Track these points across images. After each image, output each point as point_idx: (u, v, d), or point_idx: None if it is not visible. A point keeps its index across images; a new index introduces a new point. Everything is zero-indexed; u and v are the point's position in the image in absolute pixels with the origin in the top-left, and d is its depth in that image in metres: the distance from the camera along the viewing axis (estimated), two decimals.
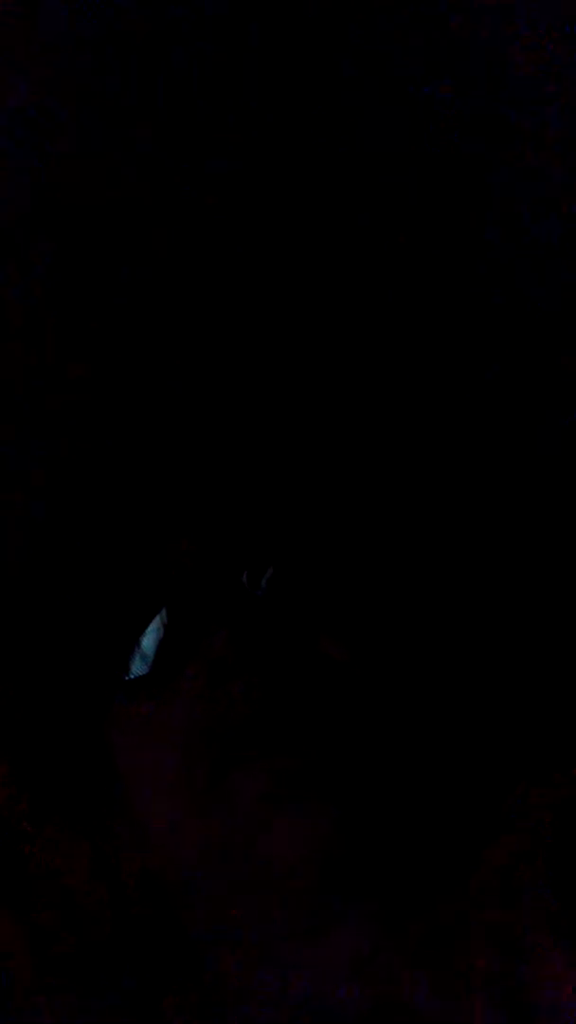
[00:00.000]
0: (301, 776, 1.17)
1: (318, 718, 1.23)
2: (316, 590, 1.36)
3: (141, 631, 1.36)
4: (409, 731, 1.24)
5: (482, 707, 1.25)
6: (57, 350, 1.37)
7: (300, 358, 1.41)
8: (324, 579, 1.37)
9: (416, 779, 1.20)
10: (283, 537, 1.40)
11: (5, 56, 1.19)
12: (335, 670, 1.27)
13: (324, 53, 1.23)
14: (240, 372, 1.42)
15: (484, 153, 1.22)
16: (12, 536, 1.37)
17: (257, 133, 1.27)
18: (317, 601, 1.35)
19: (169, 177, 1.30)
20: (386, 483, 1.40)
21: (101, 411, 1.41)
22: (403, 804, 1.18)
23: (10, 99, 1.21)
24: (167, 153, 1.29)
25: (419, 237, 1.30)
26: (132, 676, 1.34)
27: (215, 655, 1.27)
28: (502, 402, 1.35)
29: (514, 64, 1.18)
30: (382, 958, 1.10)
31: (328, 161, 1.28)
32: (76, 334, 1.37)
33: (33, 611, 1.36)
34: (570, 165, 1.20)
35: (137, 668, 1.34)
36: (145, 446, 1.43)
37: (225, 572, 1.38)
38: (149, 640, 1.35)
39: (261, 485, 1.42)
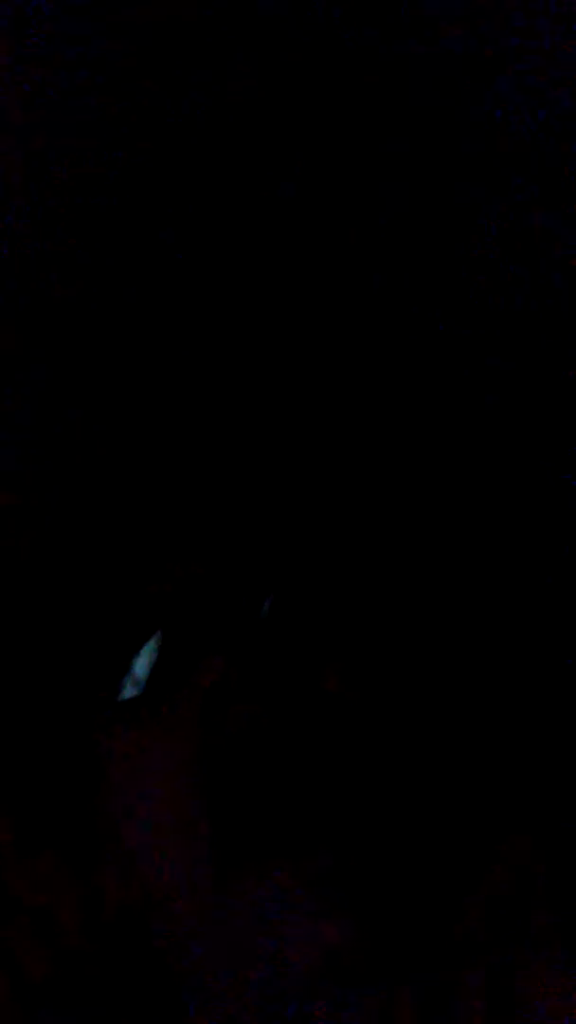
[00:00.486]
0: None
1: (317, 753, 1.18)
2: (318, 618, 1.32)
3: (134, 654, 1.31)
4: (410, 770, 1.18)
5: (483, 746, 1.20)
6: (52, 355, 1.35)
7: (301, 375, 1.38)
8: (326, 606, 1.33)
9: (419, 824, 1.14)
10: (285, 563, 1.36)
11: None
12: (335, 704, 1.22)
13: (318, 45, 1.21)
14: (240, 391, 1.39)
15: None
16: (3, 551, 1.34)
17: (252, 126, 1.24)
18: (318, 630, 1.30)
19: (168, 175, 1.29)
20: (390, 511, 1.36)
21: (98, 428, 1.39)
22: (407, 864, 1.12)
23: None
24: (166, 150, 1.27)
25: (418, 234, 1.27)
26: (123, 699, 1.29)
27: (211, 680, 1.23)
28: (504, 423, 1.31)
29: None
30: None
31: (327, 159, 1.26)
32: (74, 341, 1.35)
33: (22, 630, 1.33)
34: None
35: (128, 692, 1.29)
36: (144, 464, 1.40)
37: (224, 597, 1.34)
38: (142, 664, 1.31)
39: (264, 509, 1.39)
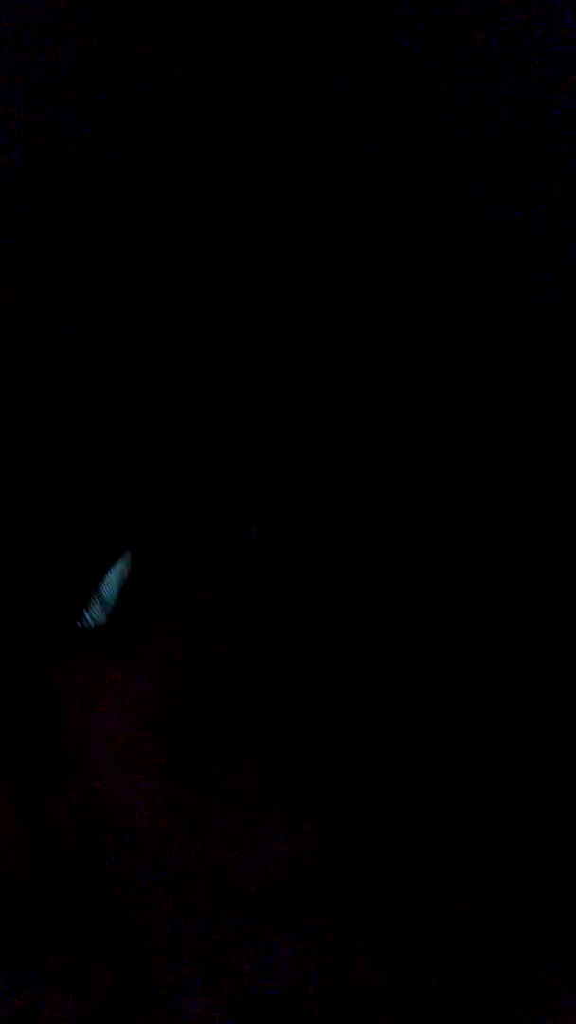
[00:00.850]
0: (286, 779, 1.04)
1: (307, 693, 1.10)
2: (308, 547, 1.22)
3: (101, 573, 1.17)
4: (402, 714, 1.13)
5: (479, 690, 1.16)
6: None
7: (287, 319, 1.26)
8: (316, 535, 1.23)
9: (407, 770, 1.10)
10: (275, 487, 1.25)
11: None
12: (326, 640, 1.14)
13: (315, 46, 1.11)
14: (226, 328, 1.25)
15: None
16: None
17: (253, 127, 1.14)
18: (308, 561, 1.21)
19: (167, 173, 1.15)
20: (384, 441, 1.27)
21: (73, 346, 1.21)
22: (392, 805, 1.07)
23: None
24: (165, 148, 1.14)
25: (417, 231, 1.19)
26: (87, 624, 1.15)
27: (195, 612, 1.11)
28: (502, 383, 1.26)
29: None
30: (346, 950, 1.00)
31: (326, 157, 1.16)
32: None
33: None
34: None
35: (94, 616, 1.15)
36: (127, 369, 1.23)
37: (209, 518, 1.21)
38: (110, 586, 1.16)
39: (253, 430, 1.26)
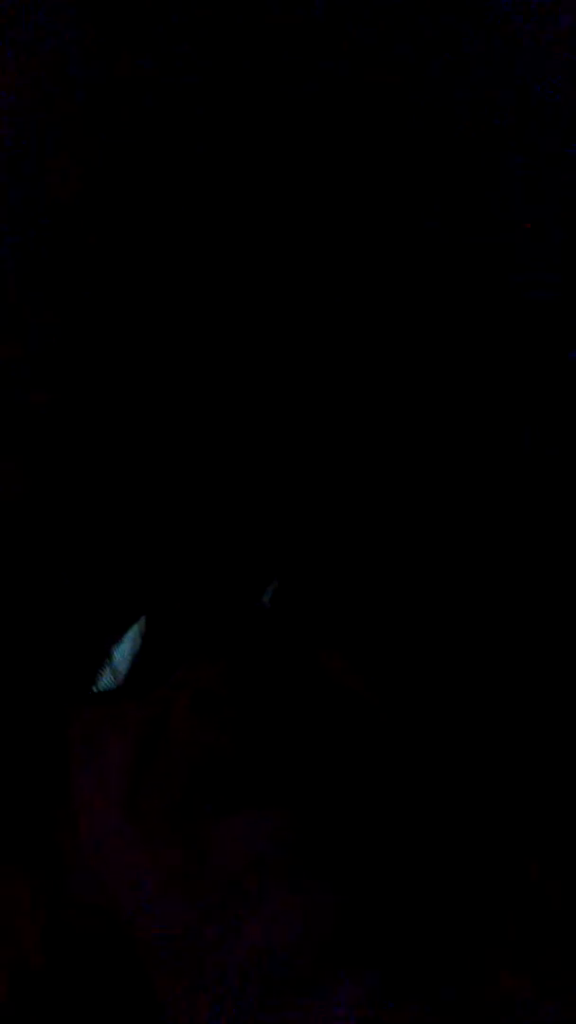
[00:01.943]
0: (296, 839, 0.99)
1: (321, 755, 1.06)
2: (326, 606, 1.20)
3: (113, 639, 1.17)
4: (422, 773, 1.08)
5: (500, 749, 1.11)
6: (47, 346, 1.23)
7: (302, 362, 1.30)
8: (334, 593, 1.22)
9: (426, 833, 1.04)
10: (289, 548, 1.25)
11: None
12: (344, 698, 1.10)
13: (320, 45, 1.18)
14: (240, 374, 1.29)
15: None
16: None
17: (251, 124, 1.20)
18: (326, 618, 1.19)
19: (168, 173, 1.22)
20: (396, 495, 1.28)
21: (90, 400, 1.26)
22: (410, 866, 1.01)
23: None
24: (164, 149, 1.21)
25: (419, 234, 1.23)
26: (98, 689, 1.15)
27: (204, 686, 1.09)
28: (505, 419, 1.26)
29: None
30: None
31: (325, 156, 1.22)
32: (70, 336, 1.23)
33: None
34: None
35: (105, 682, 1.15)
36: (139, 440, 1.27)
37: (222, 584, 1.21)
38: (123, 651, 1.16)
39: (266, 493, 1.28)
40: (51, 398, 1.23)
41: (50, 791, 1.06)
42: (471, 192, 1.21)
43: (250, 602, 1.19)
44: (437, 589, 1.22)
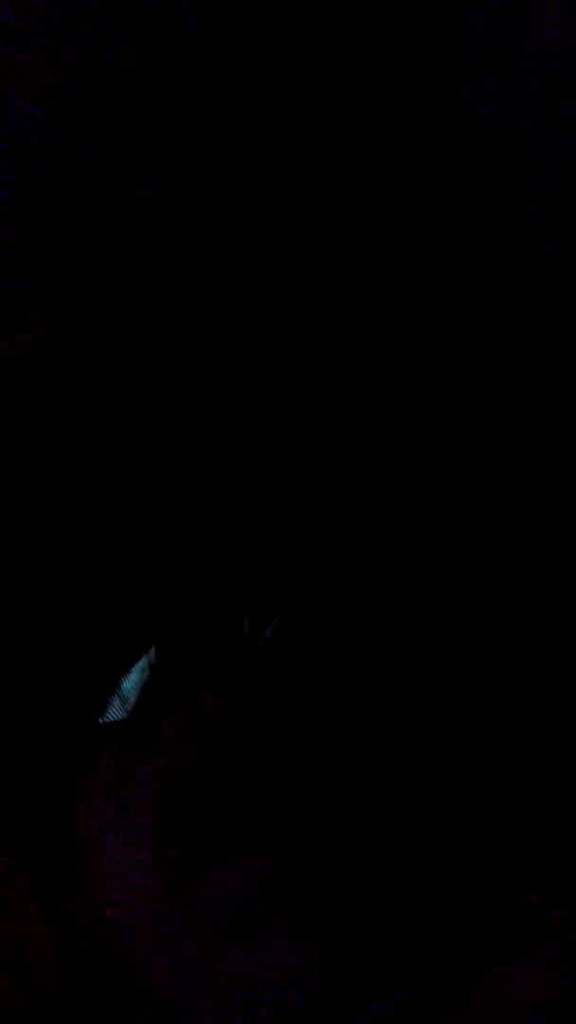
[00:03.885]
0: (291, 878, 1.02)
1: (314, 796, 1.09)
2: (324, 647, 1.23)
3: (124, 671, 1.22)
4: (413, 816, 1.09)
5: (494, 800, 1.11)
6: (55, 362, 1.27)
7: (306, 388, 1.31)
8: (331, 634, 1.24)
9: (417, 874, 1.05)
10: (290, 586, 1.28)
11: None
12: (336, 744, 1.13)
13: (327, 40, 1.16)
14: (243, 403, 1.31)
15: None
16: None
17: (257, 122, 1.19)
18: (325, 661, 1.22)
19: (169, 175, 1.22)
20: (398, 536, 1.28)
21: (96, 438, 1.30)
22: (401, 908, 1.03)
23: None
24: (166, 153, 1.21)
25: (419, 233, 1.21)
26: (106, 719, 1.20)
27: (204, 714, 1.14)
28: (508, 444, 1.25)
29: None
30: None
31: (326, 154, 1.20)
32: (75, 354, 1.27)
33: (6, 639, 1.23)
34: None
35: (114, 712, 1.20)
36: (146, 476, 1.31)
37: (225, 620, 1.25)
38: (132, 682, 1.22)
39: (268, 531, 1.31)
40: (54, 425, 1.28)
41: (54, 816, 1.12)
42: (476, 192, 1.20)
43: (250, 638, 1.23)
44: (435, 632, 1.23)
